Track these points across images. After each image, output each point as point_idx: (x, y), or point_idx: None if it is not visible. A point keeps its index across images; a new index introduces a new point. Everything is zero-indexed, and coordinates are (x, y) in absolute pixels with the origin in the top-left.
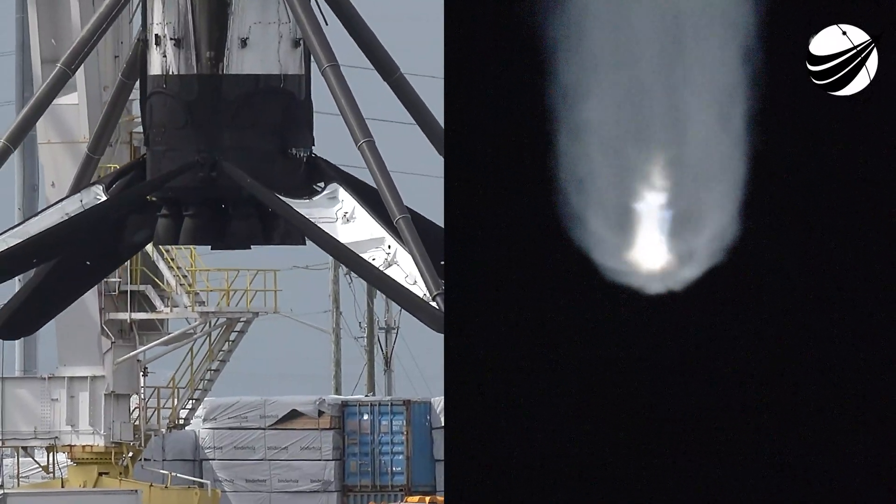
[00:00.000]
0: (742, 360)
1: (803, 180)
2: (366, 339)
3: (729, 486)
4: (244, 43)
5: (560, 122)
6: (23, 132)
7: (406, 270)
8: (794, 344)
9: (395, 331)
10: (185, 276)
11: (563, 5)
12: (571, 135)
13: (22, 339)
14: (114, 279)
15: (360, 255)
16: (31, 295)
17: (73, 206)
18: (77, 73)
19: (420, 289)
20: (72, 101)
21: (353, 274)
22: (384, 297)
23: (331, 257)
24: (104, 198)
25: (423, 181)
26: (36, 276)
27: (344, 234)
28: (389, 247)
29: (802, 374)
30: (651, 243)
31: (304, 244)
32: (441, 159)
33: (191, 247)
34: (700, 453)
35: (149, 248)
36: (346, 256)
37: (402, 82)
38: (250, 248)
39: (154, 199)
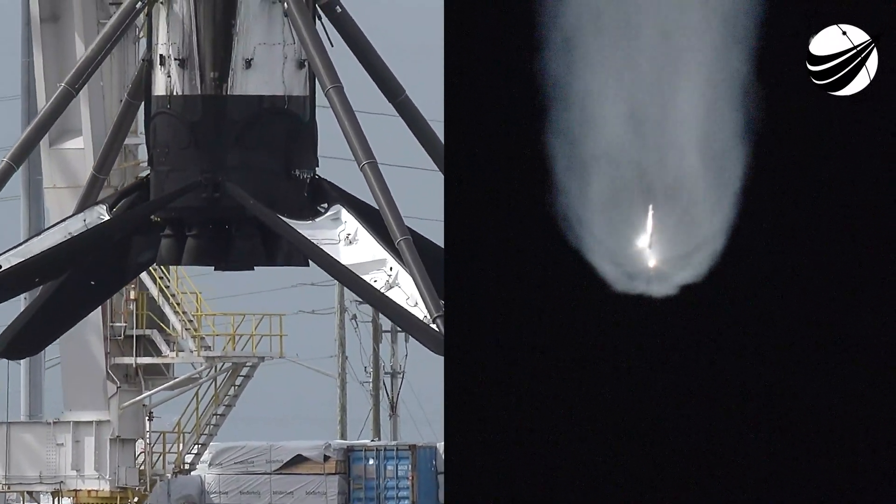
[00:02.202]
0: (744, 359)
1: (803, 180)
2: (371, 384)
3: (728, 486)
4: (248, 64)
5: (559, 135)
6: (25, 151)
7: (407, 292)
8: (793, 344)
9: (401, 375)
10: (190, 321)
11: (564, 9)
12: (572, 152)
13: (27, 383)
14: (119, 324)
15: (362, 277)
16: (36, 315)
17: (77, 226)
18: (83, 116)
19: (421, 311)
20: (77, 146)
21: (358, 319)
22: (390, 341)
23: (336, 302)
24: (107, 217)
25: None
26: (40, 296)
27: (346, 256)
28: (391, 269)
29: (802, 371)
30: (651, 252)
31: (308, 266)
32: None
33: (196, 291)
34: (702, 457)
35: (154, 292)
36: (347, 278)
37: (408, 104)
38: (253, 269)
39: (158, 219)
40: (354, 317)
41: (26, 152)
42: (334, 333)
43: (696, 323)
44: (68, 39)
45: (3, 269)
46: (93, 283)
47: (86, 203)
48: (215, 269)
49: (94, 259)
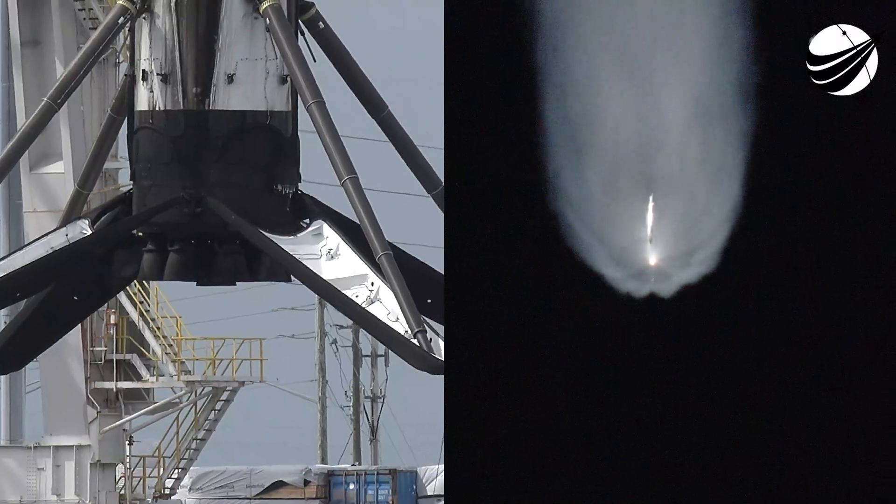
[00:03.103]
0: (743, 360)
1: (803, 180)
2: (352, 409)
3: (732, 486)
4: (231, 79)
5: (557, 132)
6: (7, 166)
7: (388, 307)
8: (792, 346)
9: (381, 400)
10: (170, 345)
11: (563, 7)
12: (570, 149)
13: (7, 407)
14: (99, 348)
15: (344, 292)
16: (19, 330)
17: (59, 240)
18: (63, 140)
19: (402, 326)
20: (58, 170)
21: (338, 343)
22: (370, 365)
23: (316, 327)
24: (89, 232)
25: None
26: (23, 312)
27: (328, 271)
28: (372, 284)
29: (801, 375)
30: (651, 248)
31: (290, 281)
32: (429, 198)
33: (177, 315)
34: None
35: (135, 317)
36: (329, 294)
37: (391, 120)
38: (235, 285)
39: (140, 234)
40: (335, 341)
41: (8, 167)
42: (314, 358)
43: (700, 324)
44: (48, 63)
45: None
46: (76, 297)
47: (68, 218)
48: (197, 284)
49: (76, 274)
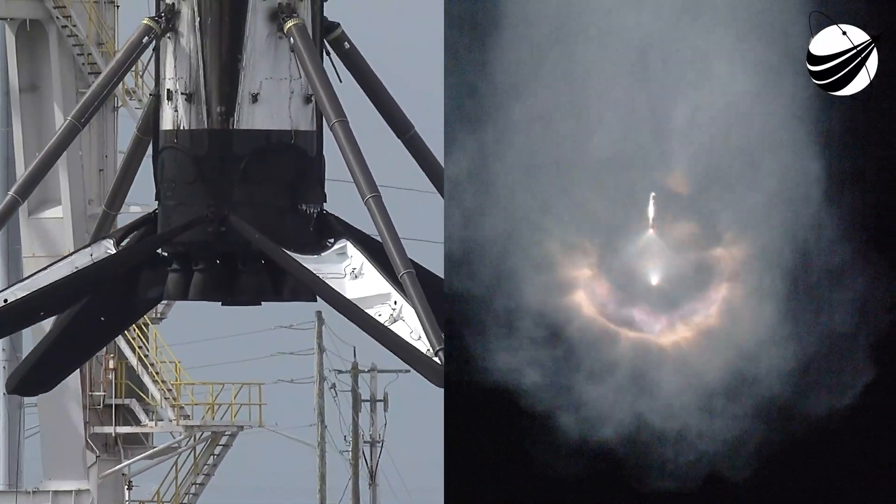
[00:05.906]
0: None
1: (803, 180)
2: (351, 453)
3: None
4: (255, 98)
5: (560, 146)
6: (31, 186)
7: (411, 326)
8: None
9: (380, 444)
10: (169, 390)
11: (564, 27)
12: (573, 164)
13: (6, 452)
14: (98, 393)
15: (367, 311)
16: (47, 352)
17: (83, 260)
18: (62, 186)
19: (424, 344)
20: (56, 215)
21: (337, 388)
22: (369, 410)
23: (315, 371)
24: (114, 251)
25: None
26: (51, 333)
27: (351, 291)
28: (395, 302)
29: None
30: (657, 263)
31: (315, 301)
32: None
33: (176, 360)
34: None
35: (134, 362)
36: (352, 313)
37: (417, 140)
38: (260, 304)
39: (165, 253)
40: (333, 386)
41: (31, 187)
42: (313, 402)
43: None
44: (47, 109)
45: (8, 302)
46: (103, 318)
47: (95, 239)
48: (222, 305)
49: (103, 295)
